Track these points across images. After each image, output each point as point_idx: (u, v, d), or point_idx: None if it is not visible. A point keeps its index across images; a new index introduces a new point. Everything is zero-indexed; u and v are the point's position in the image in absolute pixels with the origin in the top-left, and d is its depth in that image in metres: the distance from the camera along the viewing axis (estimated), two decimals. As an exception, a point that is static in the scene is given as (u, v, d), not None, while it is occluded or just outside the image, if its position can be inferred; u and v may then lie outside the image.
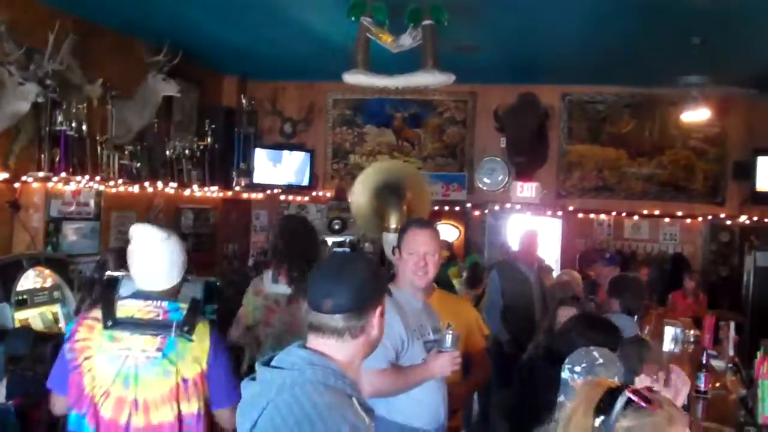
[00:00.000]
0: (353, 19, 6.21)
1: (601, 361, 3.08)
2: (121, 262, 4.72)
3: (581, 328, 3.99)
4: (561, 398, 3.09)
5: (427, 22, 5.97)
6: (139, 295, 3.24)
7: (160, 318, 3.15)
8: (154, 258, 3.25)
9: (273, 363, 2.22)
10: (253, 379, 2.23)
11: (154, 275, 3.25)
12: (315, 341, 2.24)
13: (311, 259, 4.68)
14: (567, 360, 3.16)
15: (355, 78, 6.25)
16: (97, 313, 3.16)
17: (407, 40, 6.09)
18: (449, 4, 6.14)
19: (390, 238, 6.18)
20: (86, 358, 3.10)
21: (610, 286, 5.70)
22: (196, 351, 3.12)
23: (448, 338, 3.53)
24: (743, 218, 10.02)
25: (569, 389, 3.07)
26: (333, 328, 2.21)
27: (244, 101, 10.48)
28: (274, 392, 2.11)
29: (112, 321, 3.10)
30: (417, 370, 3.51)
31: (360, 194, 6.34)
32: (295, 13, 7.25)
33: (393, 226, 6.05)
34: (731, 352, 6.38)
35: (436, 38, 6.03)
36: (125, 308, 3.17)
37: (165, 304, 3.19)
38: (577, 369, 3.07)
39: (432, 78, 6.09)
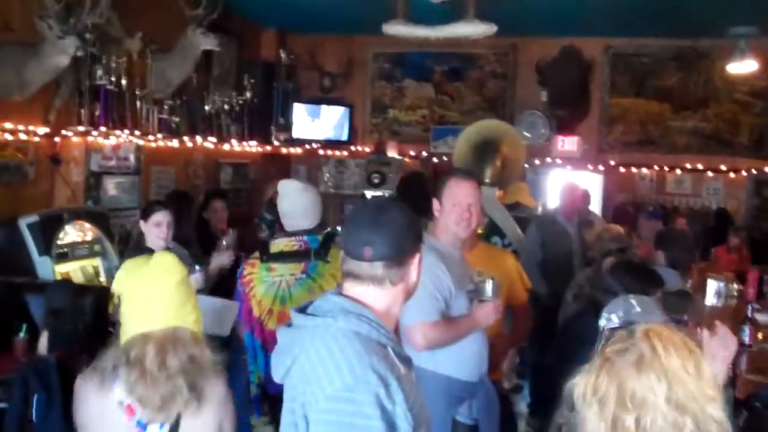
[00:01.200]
0: (394, -32, 6.13)
1: (638, 309, 3.02)
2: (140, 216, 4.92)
3: (618, 275, 3.96)
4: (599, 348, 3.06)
5: (468, -29, 5.87)
6: (285, 234, 4.27)
7: (302, 248, 4.14)
8: (296, 203, 4.28)
9: (309, 310, 2.22)
10: (290, 325, 2.23)
11: (297, 217, 4.23)
12: (352, 288, 2.22)
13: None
14: (605, 309, 3.12)
15: (395, 29, 6.19)
16: (256, 253, 4.25)
17: (448, -10, 6.01)
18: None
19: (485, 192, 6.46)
20: (251, 288, 4.16)
21: (657, 238, 5.62)
22: (332, 269, 3.98)
23: (488, 287, 3.53)
24: (789, 173, 9.83)
25: (606, 338, 3.03)
26: (372, 275, 2.19)
27: (283, 55, 10.45)
28: (307, 339, 2.12)
29: (266, 256, 4.17)
30: (464, 320, 3.52)
31: (459, 150, 7.27)
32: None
33: (487, 180, 6.65)
34: (775, 306, 6.32)
35: (478, -12, 5.93)
36: (276, 245, 4.21)
37: (305, 237, 4.16)
38: (614, 318, 3.03)
39: (473, 28, 6.01)
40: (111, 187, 7.38)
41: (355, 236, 2.21)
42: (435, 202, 3.74)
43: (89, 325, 4.00)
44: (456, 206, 3.66)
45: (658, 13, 8.60)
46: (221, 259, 5.38)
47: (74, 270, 6.05)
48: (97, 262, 6.34)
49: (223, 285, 5.54)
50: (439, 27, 6.17)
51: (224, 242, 5.48)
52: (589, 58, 10.28)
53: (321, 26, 10.43)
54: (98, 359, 2.48)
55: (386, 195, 9.37)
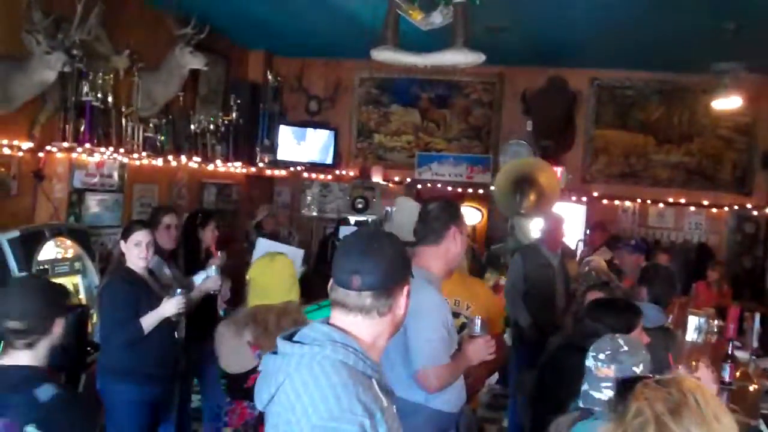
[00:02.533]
0: (383, -5, 6.13)
1: (625, 348, 3.02)
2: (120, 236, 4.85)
3: (596, 313, 3.95)
4: (585, 386, 3.05)
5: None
6: None
7: None
8: (410, 218, 4.47)
9: (296, 338, 2.19)
10: (275, 352, 2.20)
11: (406, 231, 4.23)
12: (340, 318, 2.20)
13: None
14: (591, 347, 3.11)
15: (383, 55, 6.16)
16: None
17: (438, 18, 5.99)
18: (478, -18, 6.04)
19: (521, 222, 8.33)
20: None
21: (641, 274, 5.62)
22: None
23: (477, 324, 3.54)
24: (771, 209, 9.88)
25: (593, 377, 3.02)
26: (360, 305, 2.16)
27: (269, 77, 10.47)
28: (292, 367, 2.10)
29: None
30: (460, 358, 3.50)
31: (498, 183, 8.09)
32: (323, -12, 7.19)
33: (522, 211, 7.55)
34: (755, 344, 6.33)
35: (467, 16, 5.92)
36: None
37: None
38: (602, 357, 3.02)
39: (462, 57, 5.99)
40: (93, 204, 7.32)
41: (344, 265, 2.18)
42: (454, 230, 3.65)
43: (69, 343, 3.86)
44: (464, 235, 3.67)
45: (643, 46, 8.66)
46: (208, 284, 5.39)
47: (54, 287, 5.99)
48: (77, 279, 6.29)
49: (206, 307, 5.54)
50: (427, 54, 6.15)
51: (214, 266, 5.50)
52: (574, 89, 10.33)
53: (308, 49, 10.46)
54: (231, 315, 4.10)
55: (371, 220, 9.38)
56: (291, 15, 8.43)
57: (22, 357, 2.90)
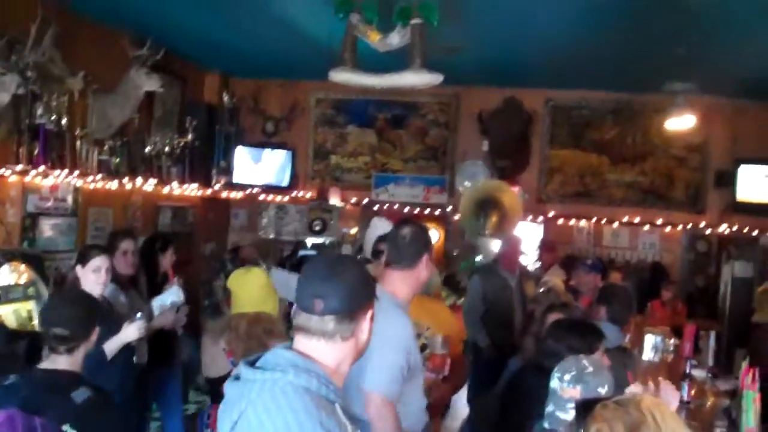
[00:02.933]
0: (341, 16, 6.14)
1: (591, 369, 3.04)
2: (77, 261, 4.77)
3: (558, 334, 3.97)
4: (550, 407, 3.05)
5: (416, 20, 5.89)
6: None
7: None
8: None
9: (258, 364, 2.18)
10: (237, 378, 2.19)
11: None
12: (302, 343, 2.20)
13: None
14: (556, 368, 3.13)
15: (341, 76, 6.18)
16: None
17: (395, 39, 6.02)
18: (435, 4, 6.07)
19: (483, 242, 8.63)
20: None
21: (599, 294, 5.66)
22: None
23: (438, 342, 3.56)
24: (723, 227, 10.01)
25: (558, 398, 3.03)
26: (323, 330, 2.17)
27: (225, 98, 10.40)
28: (254, 393, 2.09)
29: None
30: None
31: (463, 206, 8.26)
32: (279, 9, 7.18)
33: (487, 232, 7.73)
34: (711, 362, 6.39)
35: (425, 38, 5.95)
36: None
37: None
38: (567, 377, 3.04)
39: (419, 78, 6.02)
40: (47, 228, 7.21)
41: (307, 289, 2.19)
42: (426, 258, 3.62)
43: (23, 370, 3.79)
44: (433, 261, 3.68)
45: (597, 67, 8.76)
46: (164, 319, 5.31)
47: (7, 314, 5.89)
48: (31, 305, 6.18)
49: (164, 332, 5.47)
50: (385, 75, 6.18)
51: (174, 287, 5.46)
52: (530, 110, 10.41)
53: (264, 70, 10.44)
54: (211, 325, 4.80)
55: (327, 242, 9.37)
56: (247, 36, 8.41)
57: (62, 362, 3.31)
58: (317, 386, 2.09)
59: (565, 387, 3.01)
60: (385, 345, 3.23)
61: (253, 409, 2.06)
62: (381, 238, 5.08)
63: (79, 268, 4.78)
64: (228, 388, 2.20)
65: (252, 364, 2.19)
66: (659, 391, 3.11)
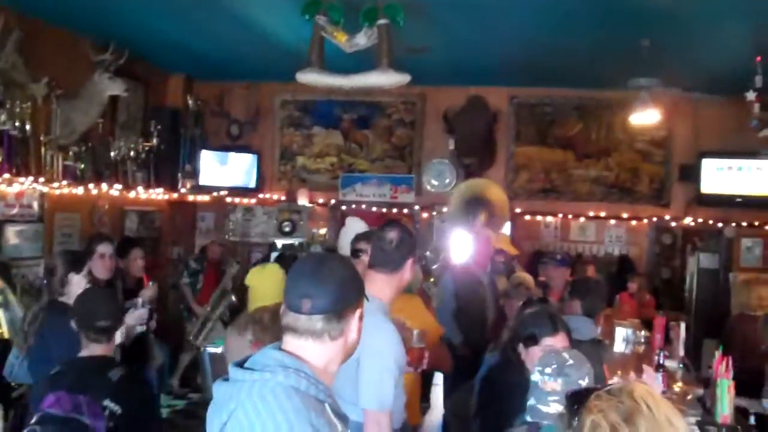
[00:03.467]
0: (307, 17, 6.14)
1: (571, 362, 3.07)
2: (71, 267, 4.68)
3: (524, 321, 4.01)
4: (531, 401, 3.08)
5: (382, 21, 5.91)
6: None
7: None
8: None
9: (247, 364, 2.17)
10: (227, 379, 2.18)
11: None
12: (291, 343, 2.20)
13: None
14: (537, 362, 3.15)
15: (308, 77, 6.18)
16: None
17: (362, 40, 6.03)
18: (400, 4, 6.09)
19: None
20: None
21: (572, 287, 5.69)
22: None
23: (415, 336, 3.60)
24: (688, 220, 10.12)
25: (539, 392, 3.05)
26: (311, 329, 2.16)
27: (190, 102, 10.36)
28: (244, 394, 2.08)
29: None
30: None
31: (452, 204, 8.30)
32: (243, 11, 7.16)
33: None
34: (682, 352, 6.46)
35: (391, 38, 5.97)
36: None
37: None
38: (548, 371, 3.06)
39: (387, 78, 6.05)
40: (13, 235, 7.15)
41: (295, 288, 2.18)
42: (411, 261, 3.65)
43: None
44: (415, 264, 3.70)
45: (560, 64, 8.80)
46: (136, 315, 5.26)
47: (-25, 322, 5.82)
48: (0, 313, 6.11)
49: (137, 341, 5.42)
50: (353, 76, 6.19)
51: (140, 299, 5.39)
52: (494, 108, 10.45)
53: (228, 73, 10.38)
54: (236, 320, 4.55)
55: (297, 243, 9.37)
56: (211, 39, 8.37)
57: (100, 348, 3.83)
58: (306, 386, 2.08)
59: (547, 380, 3.03)
60: (376, 359, 3.26)
61: (243, 410, 2.05)
62: (358, 237, 5.07)
63: (72, 275, 4.74)
64: (217, 388, 2.18)
65: (241, 365, 2.17)
66: (642, 379, 3.14)
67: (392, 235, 3.59)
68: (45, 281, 4.77)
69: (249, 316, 4.22)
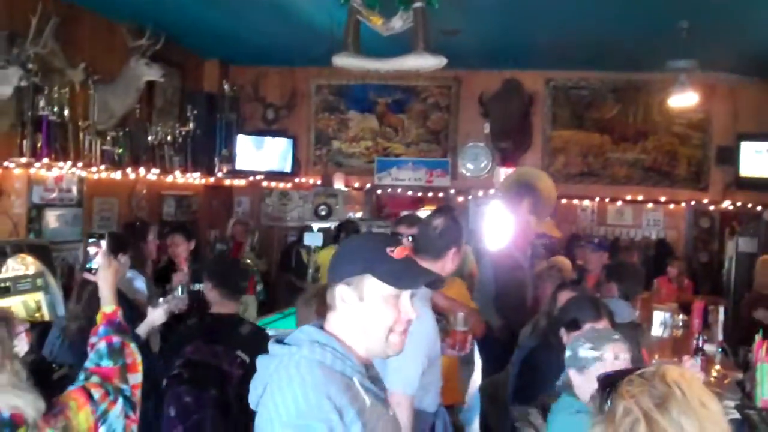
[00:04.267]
0: (342, 1, 6.13)
1: (617, 336, 3.12)
2: (118, 249, 4.76)
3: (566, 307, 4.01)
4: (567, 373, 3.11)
5: (418, 4, 5.88)
6: None
7: None
8: None
9: (286, 340, 2.21)
10: (267, 353, 2.23)
11: None
12: (327, 319, 2.24)
13: None
14: (573, 339, 3.18)
15: (344, 61, 6.17)
16: None
17: (398, 23, 6.01)
18: (436, -13, 6.07)
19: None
20: None
21: (609, 271, 5.67)
22: None
23: (460, 319, 3.61)
24: (726, 203, 10.03)
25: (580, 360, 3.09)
26: (332, 299, 2.21)
27: (226, 87, 10.39)
28: (272, 368, 2.14)
29: None
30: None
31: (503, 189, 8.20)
32: (279, -5, 7.18)
33: None
34: (720, 336, 6.41)
35: (427, 21, 5.95)
36: None
37: None
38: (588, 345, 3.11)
39: (423, 61, 6.02)
40: (53, 219, 7.24)
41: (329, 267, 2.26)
42: (455, 251, 3.61)
43: (34, 361, 3.86)
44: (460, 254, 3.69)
45: (597, 46, 8.75)
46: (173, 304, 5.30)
47: (16, 305, 5.86)
48: (40, 296, 6.10)
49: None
50: (389, 59, 6.17)
51: (180, 286, 5.42)
52: (530, 91, 10.38)
53: (264, 58, 10.42)
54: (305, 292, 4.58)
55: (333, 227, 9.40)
56: (247, 24, 8.39)
57: (229, 306, 4.40)
58: (332, 360, 2.11)
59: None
60: (408, 344, 3.25)
61: (271, 383, 2.11)
62: (400, 221, 5.10)
63: (121, 256, 4.81)
64: (259, 363, 2.23)
65: (281, 340, 2.22)
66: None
67: (438, 221, 3.58)
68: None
69: (315, 288, 4.40)
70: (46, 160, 6.76)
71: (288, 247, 10.09)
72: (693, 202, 10.24)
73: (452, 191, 10.65)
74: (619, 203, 10.45)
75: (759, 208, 9.90)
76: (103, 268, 3.33)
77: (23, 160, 6.59)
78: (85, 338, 4.46)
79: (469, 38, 8.35)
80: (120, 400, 2.68)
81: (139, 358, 3.03)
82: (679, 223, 10.42)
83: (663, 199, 10.28)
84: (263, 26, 8.45)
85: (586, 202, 10.59)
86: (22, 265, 6.10)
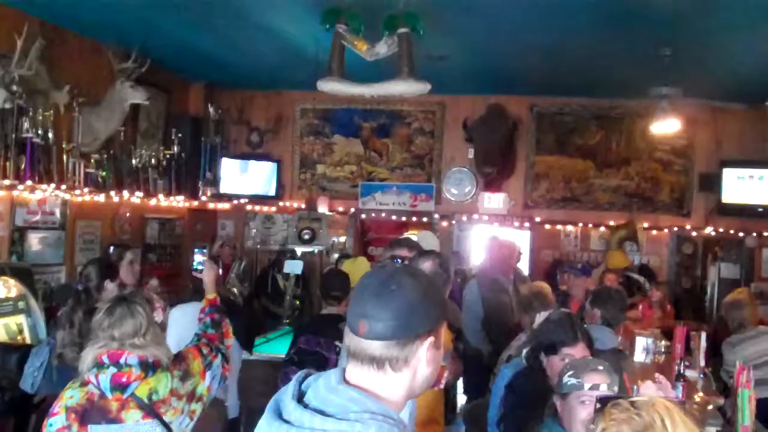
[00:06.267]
0: (327, 26, 6.15)
1: (600, 367, 3.12)
2: (106, 275, 4.76)
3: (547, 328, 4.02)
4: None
5: (402, 30, 5.91)
6: None
7: None
8: None
9: (313, 404, 1.84)
10: (280, 415, 1.86)
11: None
12: (355, 373, 1.88)
13: None
14: (566, 367, 3.20)
15: (329, 86, 6.19)
16: None
17: (383, 48, 6.03)
18: (420, 13, 6.10)
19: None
20: None
21: (593, 296, 5.68)
22: None
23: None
24: (709, 230, 10.09)
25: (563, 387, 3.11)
26: (370, 356, 1.84)
27: (211, 110, 10.38)
28: None
29: None
30: None
31: None
32: (264, 20, 7.20)
33: None
34: (702, 362, 6.41)
35: (412, 46, 5.98)
36: None
37: None
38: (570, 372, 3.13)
39: (408, 86, 6.04)
40: (35, 242, 7.20)
41: (355, 307, 1.90)
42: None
43: (13, 382, 3.96)
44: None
45: (580, 73, 8.82)
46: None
47: (-3, 327, 5.87)
48: (21, 319, 6.15)
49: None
50: (374, 84, 6.19)
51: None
52: (514, 116, 10.44)
53: (249, 82, 10.46)
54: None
55: (317, 252, 9.38)
56: (232, 48, 8.42)
57: (333, 309, 5.21)
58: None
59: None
60: None
61: None
62: (398, 243, 5.12)
63: (107, 283, 4.91)
64: (270, 427, 1.86)
65: (299, 399, 1.87)
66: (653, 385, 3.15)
67: (426, 265, 3.60)
68: (81, 288, 4.77)
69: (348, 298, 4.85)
70: (29, 183, 6.72)
71: (263, 272, 10.08)
72: (675, 228, 10.30)
73: (436, 216, 10.67)
74: (602, 229, 10.49)
75: (741, 234, 9.98)
76: (207, 268, 4.51)
77: (6, 182, 6.55)
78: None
79: (454, 64, 8.40)
80: (219, 355, 3.77)
81: (230, 329, 4.30)
82: (662, 249, 10.47)
83: (645, 224, 10.32)
84: (249, 50, 8.48)
85: (570, 228, 10.62)
86: (5, 287, 6.11)
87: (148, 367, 3.27)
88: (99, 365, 3.25)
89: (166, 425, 3.27)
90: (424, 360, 1.87)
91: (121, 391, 3.20)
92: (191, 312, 4.59)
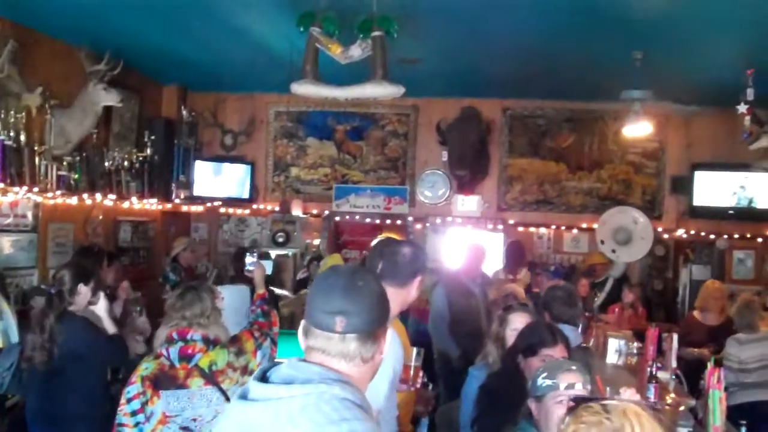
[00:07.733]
0: (302, 29, 6.16)
1: (574, 367, 3.15)
2: (79, 279, 4.72)
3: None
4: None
5: (377, 33, 5.93)
6: None
7: None
8: None
9: (278, 379, 1.95)
10: (249, 399, 1.94)
11: None
12: (320, 359, 1.99)
13: None
14: (540, 369, 3.22)
15: (303, 88, 6.19)
16: None
17: (357, 51, 6.05)
18: (394, 17, 6.12)
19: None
20: None
21: (541, 301, 5.59)
22: None
23: (414, 353, 3.64)
24: (680, 232, 10.18)
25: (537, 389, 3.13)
26: (344, 351, 1.96)
27: (184, 112, 10.35)
28: (296, 411, 1.83)
29: None
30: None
31: None
32: (238, 23, 7.18)
33: None
34: (674, 364, 6.47)
35: (386, 50, 5.99)
36: None
37: None
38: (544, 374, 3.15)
39: (382, 89, 6.06)
40: (7, 245, 7.14)
41: (325, 305, 1.97)
42: (419, 279, 3.57)
43: None
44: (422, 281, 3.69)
45: (553, 76, 8.86)
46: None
47: (-31, 330, 5.81)
48: (-7, 323, 6.10)
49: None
50: (348, 87, 6.20)
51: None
52: (487, 119, 10.48)
53: (222, 84, 10.40)
54: None
55: (291, 254, 9.37)
56: (205, 50, 8.38)
57: None
58: (361, 398, 1.92)
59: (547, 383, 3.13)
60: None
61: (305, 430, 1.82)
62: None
63: (81, 285, 4.83)
64: (242, 411, 1.94)
65: (263, 379, 1.96)
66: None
67: (406, 250, 3.59)
68: (54, 292, 4.73)
69: None
70: (1, 185, 6.67)
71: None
72: (647, 230, 10.35)
73: (410, 218, 10.69)
74: (575, 231, 10.55)
75: (712, 236, 10.06)
76: (256, 268, 5.12)
77: (-23, 185, 6.51)
78: (51, 370, 4.46)
79: (428, 67, 8.42)
80: (268, 339, 4.26)
81: (277, 319, 4.77)
82: (634, 251, 10.52)
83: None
84: (222, 52, 8.45)
85: (543, 230, 10.68)
86: (-24, 292, 6.06)
87: (210, 343, 3.86)
88: (169, 340, 3.84)
89: (223, 392, 3.82)
90: (383, 350, 2.08)
91: (187, 362, 3.79)
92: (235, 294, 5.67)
